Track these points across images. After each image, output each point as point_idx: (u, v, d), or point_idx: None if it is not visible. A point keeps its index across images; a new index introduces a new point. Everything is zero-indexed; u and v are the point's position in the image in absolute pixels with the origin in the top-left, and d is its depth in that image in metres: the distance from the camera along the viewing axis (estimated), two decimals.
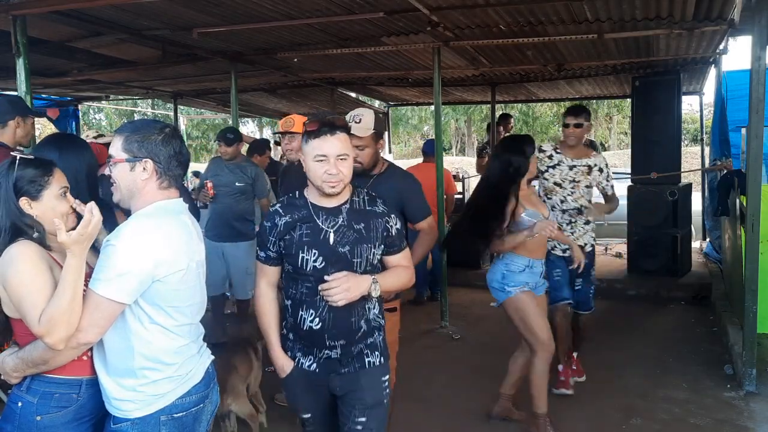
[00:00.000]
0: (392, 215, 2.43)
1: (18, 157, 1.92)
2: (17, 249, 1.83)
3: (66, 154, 2.27)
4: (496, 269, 3.67)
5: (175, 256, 1.89)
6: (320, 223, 2.33)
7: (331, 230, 2.32)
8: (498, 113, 9.45)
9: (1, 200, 1.88)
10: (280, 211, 2.40)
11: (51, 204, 1.92)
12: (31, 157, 1.98)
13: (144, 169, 1.93)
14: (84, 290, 1.82)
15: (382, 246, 2.40)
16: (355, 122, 2.94)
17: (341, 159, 2.28)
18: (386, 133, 12.60)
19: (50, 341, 1.75)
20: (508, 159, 3.56)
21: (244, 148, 6.34)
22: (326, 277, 2.27)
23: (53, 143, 2.39)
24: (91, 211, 1.80)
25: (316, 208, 2.35)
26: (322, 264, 2.31)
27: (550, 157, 4.38)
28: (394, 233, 2.42)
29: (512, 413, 3.90)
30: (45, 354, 1.82)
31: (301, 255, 2.32)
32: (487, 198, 3.59)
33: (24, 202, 1.89)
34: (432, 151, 6.69)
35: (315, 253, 2.31)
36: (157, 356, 1.91)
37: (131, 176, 1.94)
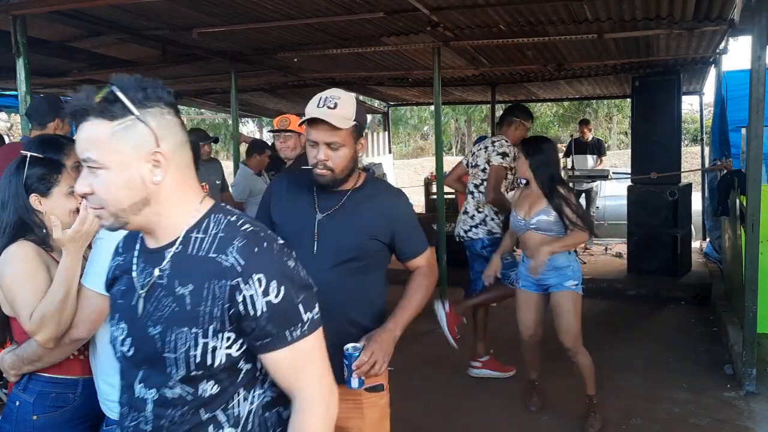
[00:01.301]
0: (256, 276, 1.22)
1: (29, 155, 1.97)
2: (15, 249, 1.86)
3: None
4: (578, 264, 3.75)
5: None
6: (135, 278, 1.35)
7: (143, 292, 1.31)
8: (498, 113, 9.45)
9: (10, 196, 1.92)
10: (120, 246, 1.47)
11: (60, 201, 1.96)
12: (41, 155, 2.02)
13: None
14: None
15: (230, 334, 1.25)
16: (329, 107, 2.00)
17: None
18: (386, 132, 12.63)
19: (40, 339, 1.77)
20: None
21: (243, 148, 6.46)
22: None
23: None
24: (86, 209, 1.82)
25: (142, 248, 1.37)
26: (131, 351, 1.33)
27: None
28: (260, 313, 1.22)
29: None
30: (39, 350, 1.83)
31: (112, 329, 1.40)
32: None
33: (34, 199, 1.93)
34: None
35: (124, 331, 1.35)
36: None
37: None
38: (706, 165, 8.48)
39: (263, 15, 4.88)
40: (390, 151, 12.28)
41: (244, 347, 1.28)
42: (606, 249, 8.55)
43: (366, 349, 2.00)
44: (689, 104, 20.01)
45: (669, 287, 6.77)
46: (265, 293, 1.23)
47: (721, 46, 6.48)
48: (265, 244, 1.27)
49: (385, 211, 2.13)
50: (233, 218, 1.31)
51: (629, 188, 7.26)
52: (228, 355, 1.26)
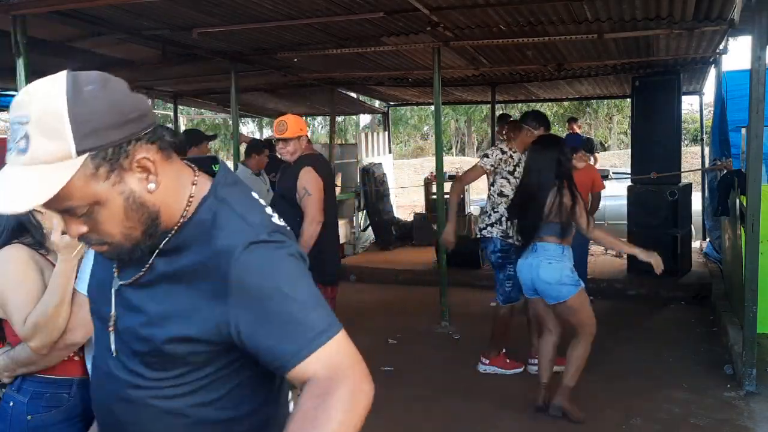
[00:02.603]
0: None
1: None
2: (8, 252, 1.86)
3: None
4: (564, 265, 3.73)
5: None
6: None
7: None
8: (498, 113, 9.45)
9: None
10: None
11: None
12: None
13: None
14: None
15: None
16: (19, 151, 0.97)
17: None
18: (385, 132, 12.58)
19: (33, 345, 1.76)
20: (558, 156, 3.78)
21: (243, 148, 6.47)
22: None
23: None
24: None
25: None
26: None
27: (511, 156, 4.55)
28: None
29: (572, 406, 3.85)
30: (33, 355, 1.83)
31: None
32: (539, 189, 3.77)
33: None
34: (578, 145, 6.05)
35: None
36: None
37: None
38: (706, 165, 8.48)
39: (263, 15, 4.88)
40: (390, 151, 12.25)
41: None
42: (606, 249, 8.54)
43: None
44: (689, 104, 20.02)
45: (669, 287, 6.76)
46: None
47: (721, 46, 6.48)
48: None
49: (213, 279, 1.07)
50: None
51: (629, 188, 7.26)
52: None
